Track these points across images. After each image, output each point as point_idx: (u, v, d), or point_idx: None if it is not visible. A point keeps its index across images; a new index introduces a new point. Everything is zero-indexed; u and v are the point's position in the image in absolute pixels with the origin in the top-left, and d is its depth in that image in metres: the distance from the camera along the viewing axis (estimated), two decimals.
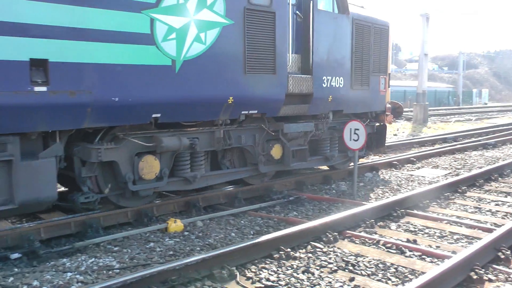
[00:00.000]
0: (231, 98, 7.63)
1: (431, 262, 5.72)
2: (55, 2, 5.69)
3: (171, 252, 6.01)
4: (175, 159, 7.72)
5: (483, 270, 5.32)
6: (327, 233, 6.44)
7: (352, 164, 10.50)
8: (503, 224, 6.66)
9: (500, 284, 5.14)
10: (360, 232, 6.80)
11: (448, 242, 6.47)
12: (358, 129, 9.09)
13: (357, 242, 6.41)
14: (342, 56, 9.79)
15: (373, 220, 7.15)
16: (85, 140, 6.81)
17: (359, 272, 5.39)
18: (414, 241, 6.38)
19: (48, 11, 5.64)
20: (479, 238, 6.22)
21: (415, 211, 7.84)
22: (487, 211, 8.12)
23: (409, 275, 5.31)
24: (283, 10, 8.29)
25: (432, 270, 4.90)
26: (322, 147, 10.24)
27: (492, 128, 22.87)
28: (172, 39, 6.81)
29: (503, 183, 10.38)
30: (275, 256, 5.74)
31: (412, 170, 11.69)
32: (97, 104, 6.14)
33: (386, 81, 11.28)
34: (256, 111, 8.25)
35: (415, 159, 12.74)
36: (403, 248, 6.08)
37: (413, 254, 5.94)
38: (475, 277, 5.12)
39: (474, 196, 9.09)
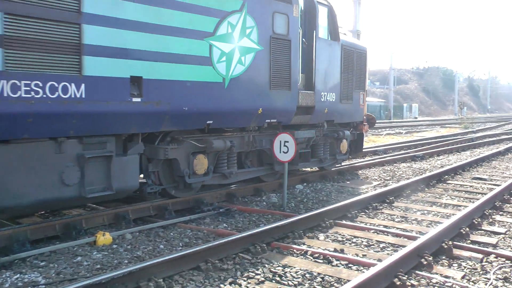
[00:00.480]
0: (260, 109, 9.48)
1: (357, 270, 5.82)
2: (148, 32, 7.27)
3: (98, 266, 5.86)
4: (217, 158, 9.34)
5: (406, 276, 5.47)
6: (256, 245, 6.45)
7: (338, 165, 13.21)
8: (427, 232, 6.86)
9: None
10: (288, 243, 6.84)
11: (374, 251, 6.61)
12: (287, 142, 9.18)
13: (285, 253, 6.44)
14: (334, 75, 11.82)
15: (301, 231, 7.23)
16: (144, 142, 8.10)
17: (285, 282, 5.41)
18: (342, 251, 6.48)
19: (142, 38, 7.23)
20: (404, 246, 6.38)
21: (343, 222, 7.99)
22: (413, 220, 8.38)
23: (335, 284, 5.38)
24: (296, 38, 10.21)
25: (357, 278, 4.98)
26: (317, 151, 11.96)
27: (420, 141, 23.70)
28: (223, 61, 8.59)
29: (429, 193, 10.76)
30: (203, 267, 5.69)
31: (343, 182, 11.92)
32: (173, 112, 7.80)
33: (364, 96, 13.34)
34: (275, 120, 10.11)
35: (345, 171, 13.00)
36: (330, 258, 6.17)
37: (340, 263, 6.03)
38: (398, 283, 5.25)
39: (401, 206, 9.36)
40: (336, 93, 11.86)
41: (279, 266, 5.90)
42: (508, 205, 9.74)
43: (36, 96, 6.15)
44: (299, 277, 5.56)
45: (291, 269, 5.81)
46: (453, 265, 6.13)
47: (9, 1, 5.91)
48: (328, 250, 6.52)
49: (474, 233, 7.60)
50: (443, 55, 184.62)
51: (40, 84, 6.18)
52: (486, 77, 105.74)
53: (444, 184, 11.92)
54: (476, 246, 6.82)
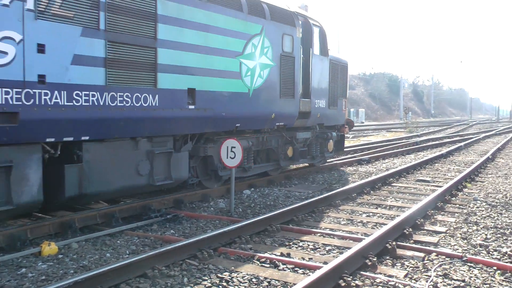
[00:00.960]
0: (273, 114, 11.57)
1: (304, 273, 5.90)
2: (199, 52, 9.26)
3: (43, 277, 5.71)
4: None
5: (351, 277, 5.58)
6: (203, 251, 6.44)
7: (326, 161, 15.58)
8: (372, 234, 7.02)
9: None
10: (235, 248, 6.86)
11: (320, 254, 6.71)
12: (234, 147, 9.23)
13: (232, 258, 6.46)
14: (324, 85, 13.94)
15: (248, 236, 7.26)
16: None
17: (232, 287, 5.42)
18: (288, 255, 6.55)
19: (195, 58, 9.19)
20: (349, 248, 6.50)
21: (290, 226, 8.08)
22: (359, 222, 8.56)
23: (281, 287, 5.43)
24: (298, 55, 12.44)
25: (302, 281, 5.04)
26: (311, 149, 14.07)
27: (367, 145, 24.17)
28: (248, 75, 10.71)
29: (375, 195, 11.01)
30: (149, 275, 5.65)
31: (290, 186, 12.05)
32: (215, 117, 9.82)
33: (345, 103, 15.55)
34: (282, 123, 12.14)
35: (293, 176, 13.14)
36: (276, 262, 6.22)
37: (287, 267, 6.09)
38: (343, 284, 5.35)
39: (347, 209, 9.54)
40: (325, 100, 14.01)
41: (226, 271, 5.91)
42: (449, 205, 10.09)
43: (126, 104, 7.97)
44: (245, 282, 5.58)
45: (238, 274, 5.83)
46: (397, 264, 6.30)
47: (110, 32, 7.65)
48: (275, 254, 6.58)
49: (417, 233, 7.83)
50: (388, 62, 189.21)
51: (129, 95, 8.04)
52: (430, 83, 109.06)
53: (389, 187, 12.22)
54: (418, 246, 7.03)
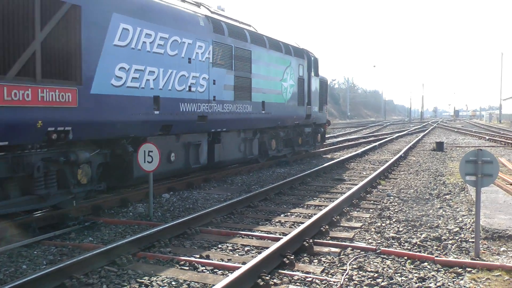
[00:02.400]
0: (295, 116, 17.73)
1: (223, 274, 5.96)
2: (265, 79, 15.01)
3: None
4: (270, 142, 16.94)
5: (269, 276, 5.71)
6: (122, 256, 6.37)
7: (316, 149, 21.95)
8: (289, 233, 7.19)
9: (284, 286, 5.57)
10: (154, 252, 6.84)
11: (239, 254, 6.81)
12: (152, 151, 9.17)
13: (151, 262, 6.43)
14: (316, 96, 20.35)
15: (167, 240, 7.25)
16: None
17: None
18: (207, 256, 6.60)
19: (264, 82, 15.03)
20: (268, 248, 6.63)
21: (209, 228, 8.14)
22: (277, 222, 8.74)
23: None
24: (305, 77, 18.80)
25: (221, 282, 5.11)
26: (309, 140, 20.43)
27: None
28: (284, 92, 16.68)
29: (293, 195, 11.27)
30: (67, 284, 5.51)
31: (209, 189, 12.10)
32: (271, 118, 15.69)
33: (326, 108, 22.35)
34: (297, 122, 18.25)
35: (211, 178, 13.20)
36: (196, 264, 6.26)
37: (206, 269, 6.14)
38: (261, 283, 5.47)
39: (266, 210, 9.71)
40: (317, 106, 20.53)
41: (145, 276, 5.88)
42: (364, 202, 10.52)
43: (240, 111, 13.72)
44: (165, 285, 5.58)
45: (157, 278, 5.82)
46: (314, 261, 6.51)
47: (236, 70, 13.45)
48: (194, 256, 6.61)
49: (333, 229, 8.12)
50: None
51: (241, 106, 13.79)
52: (345, 86, 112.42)
53: (307, 186, 12.55)
54: (335, 242, 7.30)
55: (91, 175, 9.20)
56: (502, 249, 7.08)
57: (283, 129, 17.47)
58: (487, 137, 34.39)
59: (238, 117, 13.57)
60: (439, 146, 24.23)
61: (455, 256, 6.75)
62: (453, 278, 5.90)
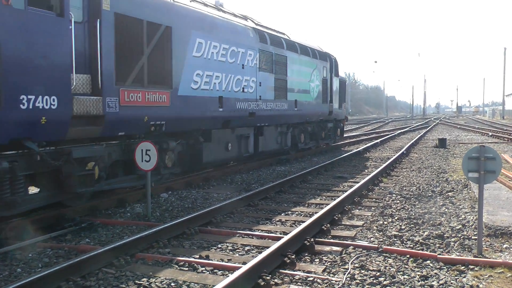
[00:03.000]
0: (320, 112, 20.25)
1: (223, 275, 5.96)
2: (298, 80, 17.89)
3: None
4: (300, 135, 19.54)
5: (270, 276, 5.71)
6: (119, 258, 6.36)
7: (339, 142, 25.36)
8: (290, 232, 7.19)
9: (285, 286, 5.56)
10: (153, 253, 6.84)
11: (239, 254, 6.81)
12: (149, 150, 9.16)
13: (150, 263, 6.42)
14: (337, 95, 22.79)
15: (166, 240, 7.24)
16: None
17: None
18: (207, 257, 6.59)
19: (297, 83, 17.82)
20: (268, 247, 6.63)
21: (208, 228, 8.14)
22: (278, 221, 8.74)
23: None
24: (328, 77, 21.23)
25: (221, 282, 5.11)
26: (330, 134, 23.21)
27: None
28: (312, 91, 19.30)
29: (293, 194, 11.27)
30: (64, 287, 5.49)
31: (208, 188, 12.09)
32: (302, 114, 18.50)
33: (344, 106, 25.00)
34: (322, 118, 20.87)
35: (211, 177, 13.19)
36: (195, 265, 6.25)
37: (205, 269, 6.13)
38: (262, 283, 5.47)
39: (266, 209, 9.71)
40: (337, 104, 22.99)
41: (144, 277, 5.87)
42: (366, 199, 10.52)
43: (279, 108, 16.24)
44: (164, 287, 5.58)
45: (156, 279, 5.81)
46: (315, 260, 6.50)
47: (276, 73, 16.04)
48: (193, 257, 6.60)
49: (335, 228, 8.12)
50: None
51: (279, 104, 16.27)
52: (347, 82, 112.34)
53: (308, 184, 12.55)
54: (336, 240, 7.30)
55: (174, 160, 11.55)
56: (504, 246, 7.08)
57: (310, 124, 20.37)
58: (490, 133, 34.38)
59: (277, 113, 16.33)
60: (442, 143, 24.23)
61: (458, 253, 6.75)
62: (456, 276, 5.89)
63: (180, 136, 11.95)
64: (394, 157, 17.69)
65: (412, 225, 8.20)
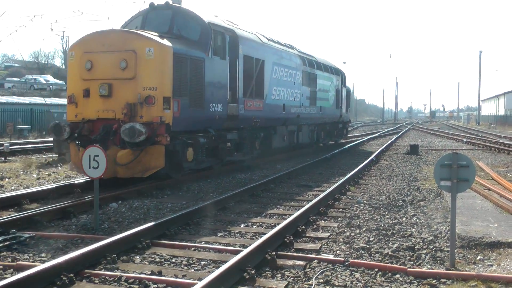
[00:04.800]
0: (334, 116, 28.93)
1: None
2: (322, 91, 26.15)
3: None
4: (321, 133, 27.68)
5: None
6: (62, 276, 6.22)
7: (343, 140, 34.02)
8: (250, 245, 7.16)
9: None
10: (100, 269, 6.71)
11: (195, 270, 6.76)
12: (97, 156, 9.02)
13: (96, 281, 6.30)
14: (344, 101, 31.02)
15: (115, 255, 7.13)
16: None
17: None
18: (159, 273, 6.51)
19: (322, 94, 26.14)
20: (226, 261, 6.60)
21: (162, 241, 8.05)
22: (237, 233, 8.72)
23: None
24: (339, 88, 29.78)
25: None
26: (339, 133, 31.57)
27: None
28: (330, 99, 27.87)
29: (254, 204, 11.29)
30: None
31: (162, 197, 11.98)
32: (324, 117, 27.01)
33: (349, 110, 33.57)
34: (335, 120, 29.49)
35: (165, 186, 13.08)
36: (147, 282, 6.16)
37: (158, 287, 6.06)
38: None
39: (225, 220, 9.68)
40: (344, 109, 30.79)
41: None
42: (332, 210, 10.61)
43: (311, 112, 24.40)
44: None
45: None
46: (277, 275, 6.51)
47: (310, 87, 24.40)
48: (145, 273, 6.52)
49: (298, 241, 8.15)
50: None
51: (311, 109, 24.28)
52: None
53: (270, 193, 12.59)
54: (300, 254, 7.33)
55: (259, 146, 19.06)
56: (478, 257, 7.22)
57: (328, 125, 28.49)
58: (465, 140, 35.17)
59: (310, 116, 24.29)
60: (414, 149, 24.65)
61: (429, 266, 6.86)
62: None
63: (261, 130, 19.07)
64: (363, 164, 17.90)
65: (381, 237, 8.30)
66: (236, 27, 16.86)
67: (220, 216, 9.99)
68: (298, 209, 9.93)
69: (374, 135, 41.13)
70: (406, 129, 58.68)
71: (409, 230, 8.76)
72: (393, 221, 9.45)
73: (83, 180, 13.12)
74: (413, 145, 25.28)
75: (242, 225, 9.28)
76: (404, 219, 9.69)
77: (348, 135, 36.95)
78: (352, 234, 8.50)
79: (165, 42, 13.02)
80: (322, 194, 11.16)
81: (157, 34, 13.30)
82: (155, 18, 15.00)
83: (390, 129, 58.93)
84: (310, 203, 10.06)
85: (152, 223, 8.44)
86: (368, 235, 8.40)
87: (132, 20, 15.74)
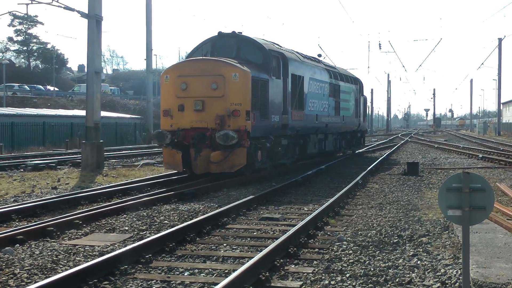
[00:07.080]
0: (353, 125, 40.07)
1: None
2: (344, 102, 36.81)
3: None
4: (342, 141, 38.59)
5: None
6: None
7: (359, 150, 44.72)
8: None
9: None
10: None
11: None
12: None
13: None
14: (362, 110, 42.28)
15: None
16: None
17: None
18: None
19: (344, 104, 37.09)
20: None
21: None
22: (179, 284, 8.67)
23: None
24: (358, 97, 41.03)
25: None
26: (358, 143, 42.50)
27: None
28: (350, 109, 39.02)
29: (202, 244, 11.23)
30: None
31: (77, 238, 11.82)
32: (346, 125, 38.23)
33: (365, 119, 46.94)
34: (354, 129, 40.91)
35: (81, 222, 12.91)
36: None
37: None
38: None
39: (163, 266, 9.59)
40: (362, 118, 41.85)
41: None
42: (306, 250, 10.66)
43: (335, 121, 34.72)
44: None
45: None
46: None
47: (334, 97, 34.97)
48: None
49: None
50: None
51: (336, 118, 34.78)
52: None
53: (223, 230, 12.58)
54: None
55: (298, 151, 28.53)
56: None
57: (348, 134, 37.51)
58: (480, 155, 35.67)
59: (335, 125, 33.53)
60: (412, 169, 24.95)
61: None
62: None
63: (301, 138, 28.17)
64: (345, 188, 18.03)
65: (370, 285, 8.33)
66: (282, 49, 26.80)
67: (156, 262, 9.88)
68: (261, 250, 9.93)
69: (360, 150, 41.62)
70: (403, 141, 59.40)
71: (408, 275, 8.82)
72: (386, 264, 9.50)
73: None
74: (412, 163, 25.60)
75: (186, 273, 9.20)
76: (401, 260, 9.76)
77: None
78: (332, 283, 8.52)
79: (246, 68, 21.85)
80: (292, 230, 11.16)
81: (237, 62, 22.25)
82: (223, 45, 24.11)
83: (381, 142, 59.60)
84: (276, 242, 10.06)
85: (60, 275, 8.31)
86: (354, 283, 8.43)
87: (202, 45, 24.93)
